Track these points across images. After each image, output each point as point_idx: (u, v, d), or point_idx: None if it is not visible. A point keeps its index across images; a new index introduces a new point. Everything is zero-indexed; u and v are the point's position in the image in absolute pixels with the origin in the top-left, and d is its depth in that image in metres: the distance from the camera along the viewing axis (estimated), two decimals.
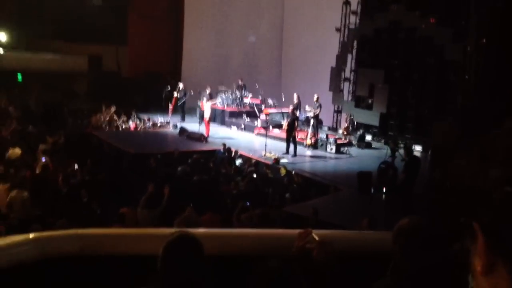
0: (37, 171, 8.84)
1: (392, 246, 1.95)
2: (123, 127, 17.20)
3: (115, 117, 17.53)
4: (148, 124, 17.86)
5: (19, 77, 21.56)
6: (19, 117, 15.53)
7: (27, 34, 21.60)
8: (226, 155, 13.08)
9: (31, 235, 2.28)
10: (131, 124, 17.44)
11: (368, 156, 14.17)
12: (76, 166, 9.46)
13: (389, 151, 12.42)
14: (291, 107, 14.58)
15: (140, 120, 18.09)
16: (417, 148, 14.23)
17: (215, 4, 21.33)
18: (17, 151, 9.99)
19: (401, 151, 12.08)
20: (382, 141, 15.90)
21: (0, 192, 7.31)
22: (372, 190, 10.73)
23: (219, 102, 17.99)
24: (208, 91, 17.31)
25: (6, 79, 20.66)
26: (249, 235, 2.82)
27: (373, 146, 15.59)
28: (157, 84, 19.85)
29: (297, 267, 1.77)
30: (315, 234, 2.10)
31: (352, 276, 2.20)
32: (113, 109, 17.70)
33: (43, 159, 9.47)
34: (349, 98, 17.74)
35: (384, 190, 10.67)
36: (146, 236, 2.43)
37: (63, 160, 10.07)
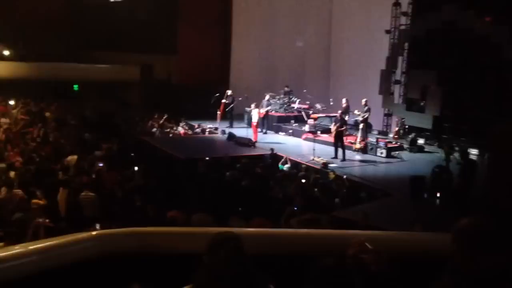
0: (93, 176, 9.20)
1: (451, 247, 1.88)
2: (173, 133, 17.61)
3: (166, 123, 18.01)
4: (197, 130, 18.20)
5: (75, 87, 22.61)
6: (76, 125, 16.25)
7: (81, 46, 22.61)
8: (274, 159, 13.10)
9: (93, 233, 2.38)
10: (181, 130, 17.83)
11: (420, 160, 13.77)
12: (130, 171, 9.75)
13: (443, 154, 12.03)
14: (339, 112, 14.43)
15: (189, 126, 18.46)
16: (473, 152, 13.68)
17: (262, 11, 21.47)
18: (74, 157, 10.44)
19: (456, 154, 11.67)
20: (436, 144, 15.42)
21: (61, 196, 7.67)
22: (425, 195, 10.40)
23: (266, 110, 17.90)
24: (267, 97, 17.70)
25: (64, 89, 21.74)
26: (300, 235, 2.81)
27: (425, 150, 15.14)
28: (206, 92, 20.19)
29: (351, 266, 1.76)
30: (369, 239, 2.07)
31: (406, 277, 2.15)
32: (165, 116, 18.21)
33: (99, 165, 9.84)
34: (400, 101, 17.32)
35: (438, 195, 10.31)
36: (201, 235, 2.47)
37: (117, 166, 10.42)
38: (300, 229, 3.89)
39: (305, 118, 17.78)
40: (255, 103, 16.97)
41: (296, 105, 18.89)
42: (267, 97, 17.98)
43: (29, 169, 9.24)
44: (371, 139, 15.33)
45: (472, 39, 14.43)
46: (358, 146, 14.54)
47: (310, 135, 15.94)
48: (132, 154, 12.26)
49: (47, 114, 17.62)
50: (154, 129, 17.33)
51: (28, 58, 21.93)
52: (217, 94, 18.93)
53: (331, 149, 14.02)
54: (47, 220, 5.89)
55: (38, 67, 21.67)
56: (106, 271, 2.27)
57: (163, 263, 2.31)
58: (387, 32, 17.38)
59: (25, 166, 9.55)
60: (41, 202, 6.79)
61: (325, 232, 3.00)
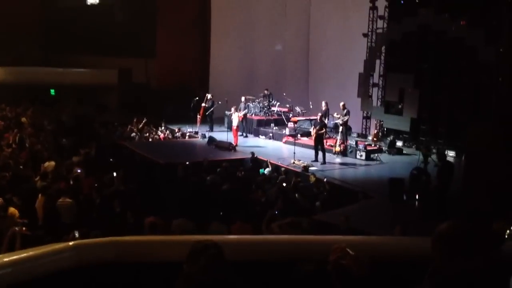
0: (71, 183, 9.04)
1: (431, 251, 1.90)
2: (153, 137, 17.46)
3: (145, 128, 17.86)
4: (177, 134, 18.09)
5: (52, 92, 22.25)
6: (53, 131, 15.97)
7: (58, 50, 22.28)
8: (255, 163, 13.11)
9: (71, 243, 2.33)
10: (160, 135, 17.69)
11: (399, 162, 13.94)
12: (108, 177, 9.61)
13: (421, 157, 12.19)
14: (319, 115, 14.53)
15: (168, 130, 18.33)
16: (450, 153, 13.92)
17: (241, 14, 21.49)
18: (51, 163, 10.25)
19: (434, 156, 11.85)
20: (414, 146, 15.63)
21: (39, 203, 7.53)
22: (405, 197, 10.53)
23: (243, 114, 17.78)
24: (243, 100, 17.65)
25: (40, 94, 21.36)
26: (281, 241, 2.81)
27: (404, 152, 15.33)
28: (185, 95, 20.10)
29: (332, 272, 1.75)
30: (350, 244, 2.07)
31: (388, 281, 2.16)
32: (144, 120, 18.05)
33: (78, 171, 9.68)
34: (378, 104, 17.53)
35: (416, 197, 10.45)
36: (180, 243, 2.45)
37: (95, 171, 10.27)
38: (281, 236, 3.89)
39: (285, 122, 17.83)
40: (234, 107, 16.95)
41: (276, 108, 18.94)
42: (243, 99, 17.91)
43: (4, 175, 9.03)
44: (351, 141, 15.47)
45: (448, 42, 14.70)
46: (338, 149, 14.65)
47: (290, 139, 15.98)
48: (111, 159, 12.10)
49: (23, 119, 17.28)
50: (133, 134, 17.15)
51: (4, 63, 21.50)
52: (197, 98, 18.85)
53: (312, 152, 14.09)
54: (24, 228, 5.75)
55: (14, 71, 21.27)
56: (83, 282, 2.23)
57: (142, 272, 2.27)
58: (364, 35, 17.57)
59: (1, 172, 9.33)
60: (17, 215, 6.62)
61: (305, 238, 3.00)
